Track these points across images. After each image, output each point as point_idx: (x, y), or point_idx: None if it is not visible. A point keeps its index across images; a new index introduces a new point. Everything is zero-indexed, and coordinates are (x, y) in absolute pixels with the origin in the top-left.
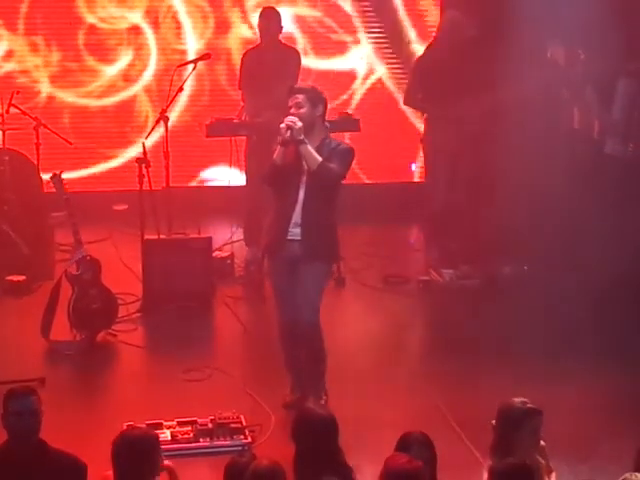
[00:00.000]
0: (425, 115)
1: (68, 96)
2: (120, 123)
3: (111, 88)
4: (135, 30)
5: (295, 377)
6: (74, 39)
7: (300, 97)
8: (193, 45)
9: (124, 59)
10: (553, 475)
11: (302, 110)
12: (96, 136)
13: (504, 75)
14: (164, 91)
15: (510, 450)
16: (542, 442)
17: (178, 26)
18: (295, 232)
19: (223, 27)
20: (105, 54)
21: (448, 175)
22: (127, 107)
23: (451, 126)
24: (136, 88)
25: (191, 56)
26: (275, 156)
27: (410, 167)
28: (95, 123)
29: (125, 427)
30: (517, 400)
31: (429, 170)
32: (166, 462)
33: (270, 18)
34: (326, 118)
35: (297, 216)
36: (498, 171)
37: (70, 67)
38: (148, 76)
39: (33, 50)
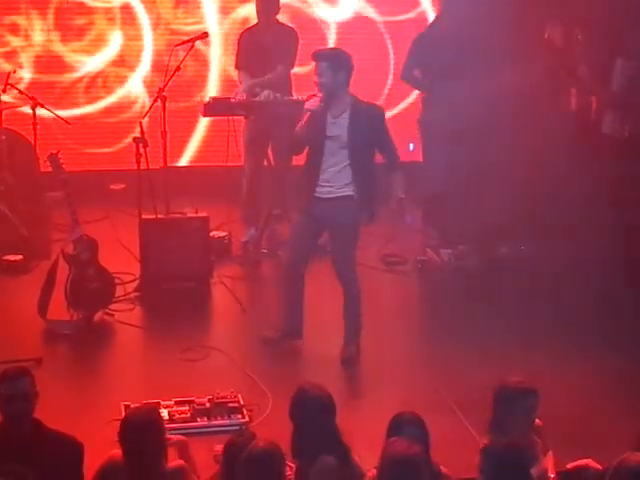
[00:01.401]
0: (423, 94)
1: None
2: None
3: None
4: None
5: (285, 315)
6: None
7: (321, 65)
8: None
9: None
10: (549, 454)
11: (323, 79)
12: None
13: (504, 57)
14: (162, 70)
15: (505, 429)
16: (538, 421)
17: (176, 5)
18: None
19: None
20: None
21: (446, 156)
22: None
23: (449, 106)
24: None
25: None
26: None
27: (408, 147)
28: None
29: (124, 407)
30: (512, 379)
31: (426, 150)
32: (176, 437)
33: None
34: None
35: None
36: (497, 153)
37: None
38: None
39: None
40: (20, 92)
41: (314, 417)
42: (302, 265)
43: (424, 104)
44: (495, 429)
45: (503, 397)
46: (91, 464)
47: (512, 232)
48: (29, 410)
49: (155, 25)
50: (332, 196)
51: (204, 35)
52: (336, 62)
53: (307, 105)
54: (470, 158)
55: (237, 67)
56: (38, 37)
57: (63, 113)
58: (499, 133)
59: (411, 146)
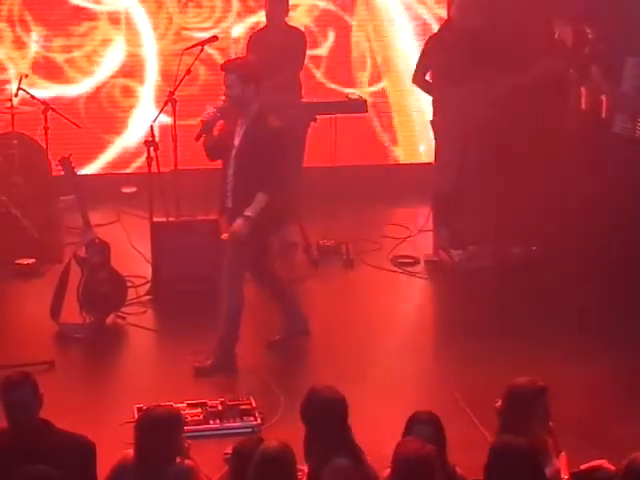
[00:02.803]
0: (434, 97)
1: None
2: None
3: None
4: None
5: (283, 316)
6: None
7: (230, 77)
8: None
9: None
10: (563, 455)
11: (231, 91)
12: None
13: (513, 59)
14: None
15: (520, 431)
16: (550, 422)
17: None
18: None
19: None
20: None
21: (458, 157)
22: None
23: (460, 108)
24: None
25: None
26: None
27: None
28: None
29: (136, 409)
30: (523, 379)
31: (439, 151)
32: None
33: (277, 1)
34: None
35: (229, 187)
36: (509, 153)
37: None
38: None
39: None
40: (32, 97)
41: (326, 419)
42: (257, 265)
43: (435, 106)
44: (506, 430)
45: (514, 397)
46: (104, 466)
47: (524, 232)
48: (32, 416)
49: (165, 30)
50: (231, 206)
51: (214, 39)
52: (245, 74)
53: (203, 115)
54: (482, 159)
55: None
56: (57, 43)
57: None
58: (510, 134)
59: (421, 148)
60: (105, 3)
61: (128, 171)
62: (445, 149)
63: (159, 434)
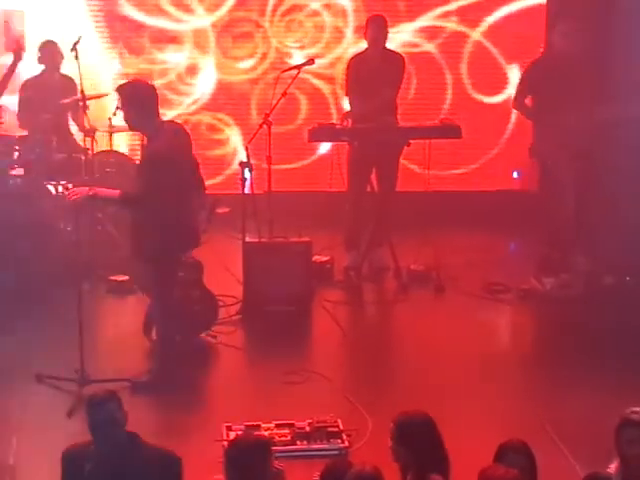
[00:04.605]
0: (534, 123)
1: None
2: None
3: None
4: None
5: None
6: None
7: (119, 98)
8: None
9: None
10: None
11: (124, 115)
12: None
13: (614, 89)
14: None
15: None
16: None
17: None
18: None
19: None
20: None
21: (568, 183)
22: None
23: (563, 133)
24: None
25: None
26: None
27: (512, 175)
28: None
29: (225, 428)
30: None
31: (547, 178)
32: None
33: (379, 26)
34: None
35: None
36: (605, 184)
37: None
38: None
39: None
40: None
41: (421, 441)
42: None
43: (536, 132)
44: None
45: (626, 431)
46: None
47: (617, 262)
48: (118, 431)
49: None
50: None
51: (311, 61)
52: (130, 95)
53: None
54: (578, 188)
55: (347, 93)
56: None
57: None
58: (608, 158)
59: (515, 174)
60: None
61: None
62: (556, 177)
63: (249, 463)
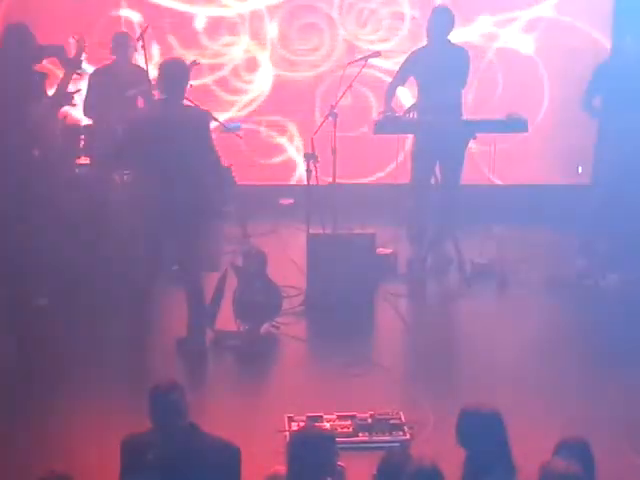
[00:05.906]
0: (600, 123)
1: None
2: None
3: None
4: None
5: None
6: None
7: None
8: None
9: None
10: None
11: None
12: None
13: None
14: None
15: None
16: None
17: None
18: None
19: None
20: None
21: (613, 181)
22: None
23: (627, 136)
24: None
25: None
26: None
27: (577, 169)
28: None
29: (287, 418)
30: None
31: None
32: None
33: (442, 17)
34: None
35: None
36: None
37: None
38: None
39: None
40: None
41: (487, 436)
42: None
43: (600, 132)
44: None
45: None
46: (253, 473)
47: None
48: (179, 423)
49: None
50: None
51: (377, 54)
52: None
53: None
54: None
55: (394, 85)
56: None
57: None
58: None
59: (580, 169)
60: None
61: (287, 183)
62: (601, 173)
63: (312, 456)
